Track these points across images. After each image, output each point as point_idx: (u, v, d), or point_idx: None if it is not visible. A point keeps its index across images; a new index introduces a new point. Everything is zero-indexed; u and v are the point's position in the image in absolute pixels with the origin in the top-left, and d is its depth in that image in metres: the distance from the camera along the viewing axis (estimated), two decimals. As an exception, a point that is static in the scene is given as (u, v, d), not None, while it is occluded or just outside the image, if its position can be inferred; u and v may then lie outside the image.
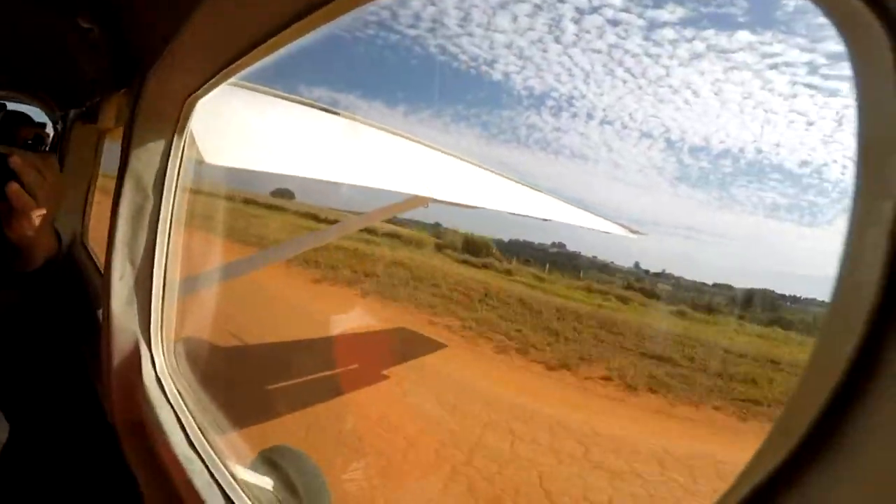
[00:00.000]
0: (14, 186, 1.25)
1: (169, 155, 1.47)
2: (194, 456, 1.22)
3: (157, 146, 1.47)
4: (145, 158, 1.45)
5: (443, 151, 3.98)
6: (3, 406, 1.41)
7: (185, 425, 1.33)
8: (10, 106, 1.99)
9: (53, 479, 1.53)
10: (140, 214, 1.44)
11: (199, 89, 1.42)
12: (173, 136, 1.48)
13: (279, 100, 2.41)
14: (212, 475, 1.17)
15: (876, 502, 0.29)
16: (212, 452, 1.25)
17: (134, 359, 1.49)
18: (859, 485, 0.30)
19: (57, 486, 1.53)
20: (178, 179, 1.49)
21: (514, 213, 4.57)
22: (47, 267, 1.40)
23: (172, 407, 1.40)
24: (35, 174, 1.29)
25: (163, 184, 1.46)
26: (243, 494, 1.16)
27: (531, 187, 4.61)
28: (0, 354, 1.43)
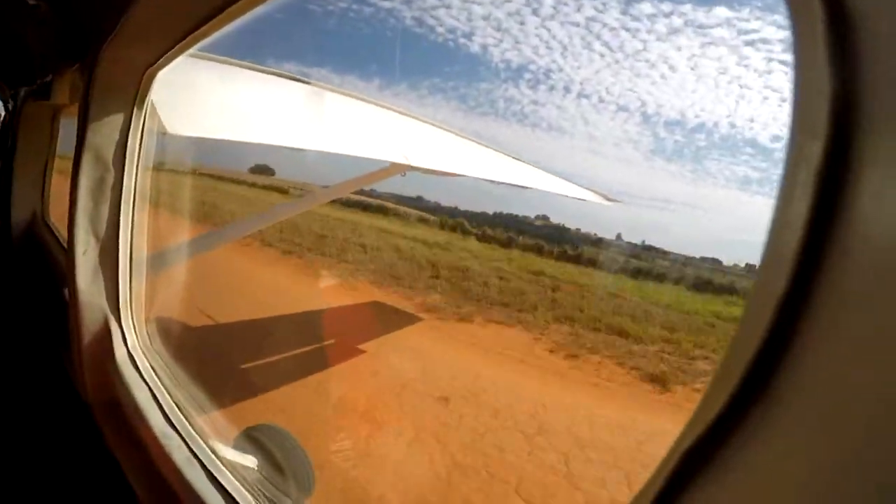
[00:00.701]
0: None
1: (129, 127, 1.43)
2: (172, 432, 1.22)
3: (116, 119, 1.42)
4: (104, 132, 1.41)
5: (419, 119, 3.93)
6: None
7: (162, 402, 1.32)
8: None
9: (30, 462, 1.51)
10: (101, 187, 1.40)
11: (157, 61, 1.38)
12: (133, 108, 1.44)
13: (245, 70, 2.35)
14: (192, 451, 1.16)
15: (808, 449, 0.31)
16: (190, 428, 1.24)
17: (104, 336, 1.46)
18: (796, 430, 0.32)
19: (34, 468, 1.52)
20: (139, 152, 1.44)
21: (492, 181, 4.57)
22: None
23: (147, 384, 1.38)
24: None
25: (124, 156, 1.42)
26: (226, 469, 1.14)
27: (510, 156, 4.60)
28: None
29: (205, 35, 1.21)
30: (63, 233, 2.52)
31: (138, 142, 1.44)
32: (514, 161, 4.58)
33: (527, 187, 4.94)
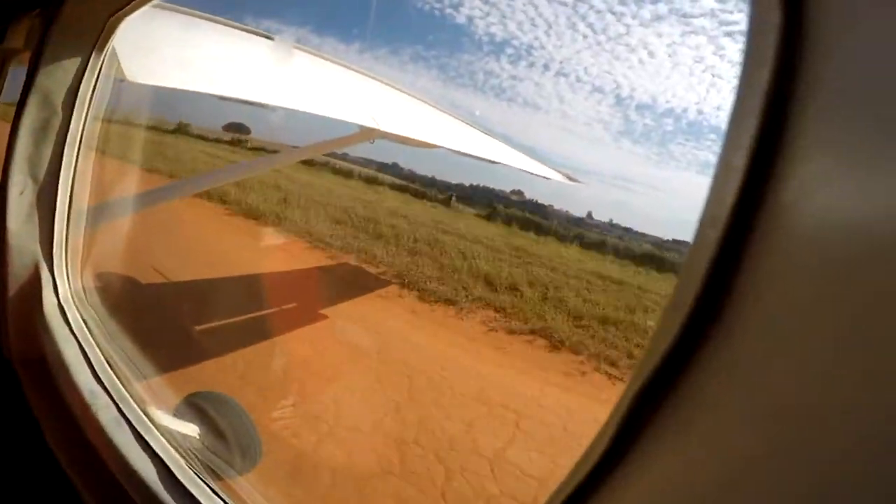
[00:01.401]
0: None
1: (84, 72, 1.36)
2: (100, 390, 1.16)
3: (72, 63, 1.36)
4: (56, 75, 1.34)
5: (393, 86, 3.88)
6: None
7: (91, 358, 1.26)
8: None
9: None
10: (46, 130, 1.33)
11: (123, 8, 1.32)
12: (91, 53, 1.37)
13: (210, 23, 2.27)
14: (120, 412, 1.11)
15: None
16: (121, 386, 1.19)
17: (33, 283, 1.40)
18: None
19: None
20: (91, 96, 1.38)
21: (463, 153, 4.58)
22: None
23: (77, 338, 1.33)
24: None
25: (74, 100, 1.35)
26: (158, 433, 1.09)
27: (482, 130, 4.63)
28: None
29: None
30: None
31: (91, 87, 1.38)
32: (484, 135, 4.60)
33: (496, 162, 4.99)
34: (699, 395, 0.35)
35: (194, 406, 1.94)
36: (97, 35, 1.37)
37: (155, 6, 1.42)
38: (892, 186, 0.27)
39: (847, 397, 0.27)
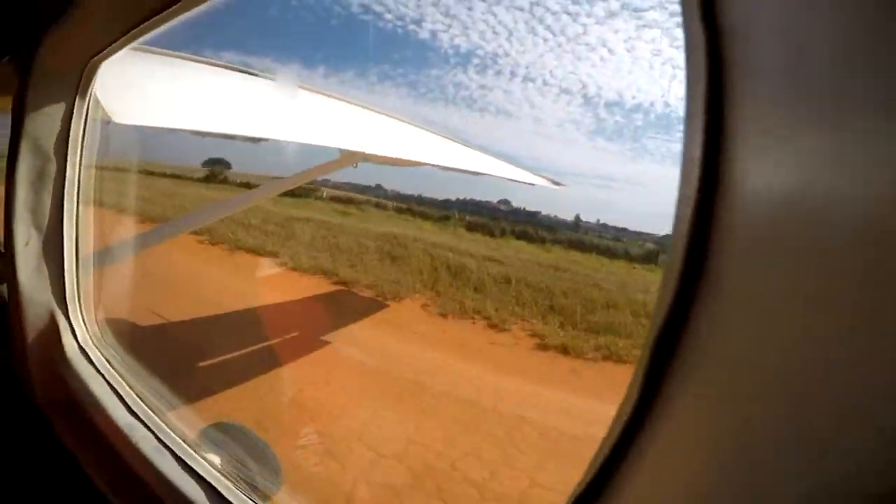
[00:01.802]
0: None
1: (71, 117, 1.38)
2: (137, 423, 1.19)
3: (57, 109, 1.38)
4: (43, 122, 1.36)
5: (371, 109, 3.92)
6: None
7: (122, 394, 1.28)
8: None
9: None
10: (42, 178, 1.35)
11: (102, 51, 1.34)
12: (75, 98, 1.39)
13: (190, 62, 2.30)
14: (160, 440, 1.13)
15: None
16: (156, 417, 1.21)
17: (51, 332, 1.42)
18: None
19: None
20: (82, 142, 1.40)
21: (447, 168, 4.61)
22: None
23: (104, 377, 1.35)
24: None
25: (66, 147, 1.37)
26: (199, 456, 1.11)
27: (461, 143, 4.66)
28: None
29: (155, 26, 1.20)
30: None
31: (81, 132, 1.40)
32: (466, 148, 4.64)
33: (480, 173, 5.03)
34: (687, 381, 0.38)
35: (212, 436, 1.96)
36: (78, 79, 1.39)
37: (133, 50, 1.44)
38: (814, 149, 0.30)
39: (820, 359, 0.30)
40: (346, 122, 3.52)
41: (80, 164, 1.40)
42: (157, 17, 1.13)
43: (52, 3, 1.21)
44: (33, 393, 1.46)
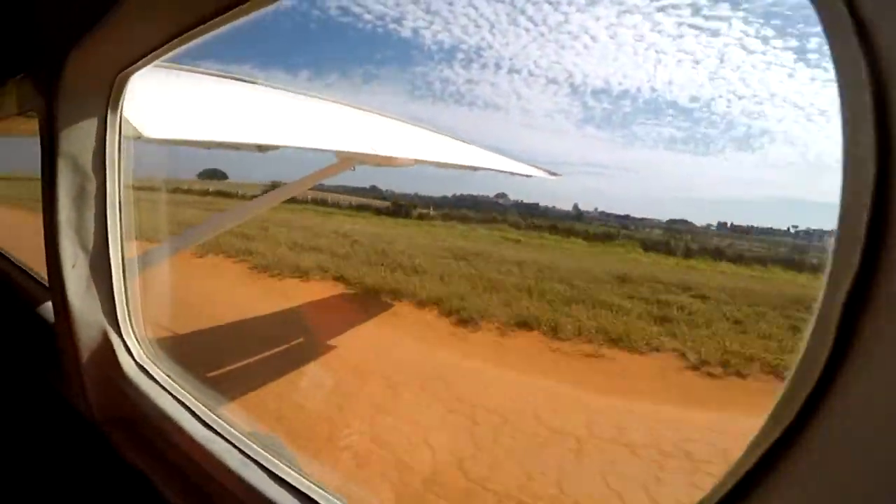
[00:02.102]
0: None
1: (105, 132, 1.36)
2: (214, 436, 1.17)
3: (89, 125, 1.35)
4: (78, 137, 1.33)
5: (367, 110, 3.91)
6: None
7: (193, 408, 1.27)
8: None
9: (44, 491, 1.43)
10: (83, 197, 1.33)
11: (132, 65, 1.32)
12: (107, 112, 1.36)
13: (200, 75, 2.29)
14: (243, 452, 1.12)
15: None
16: (234, 430, 1.20)
17: (106, 351, 1.40)
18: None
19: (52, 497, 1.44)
20: (119, 157, 1.38)
21: (444, 164, 4.61)
22: None
23: (169, 392, 1.34)
24: None
25: (103, 163, 1.35)
26: (285, 465, 1.09)
27: (456, 139, 4.66)
28: None
29: (186, 41, 1.18)
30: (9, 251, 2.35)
31: (117, 147, 1.37)
32: (460, 144, 4.65)
33: (477, 168, 5.03)
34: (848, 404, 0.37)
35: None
36: (107, 94, 1.37)
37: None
38: None
39: None
40: (348, 124, 3.52)
41: (120, 180, 1.37)
42: (192, 31, 1.12)
43: (81, 15, 1.18)
44: (90, 412, 1.45)
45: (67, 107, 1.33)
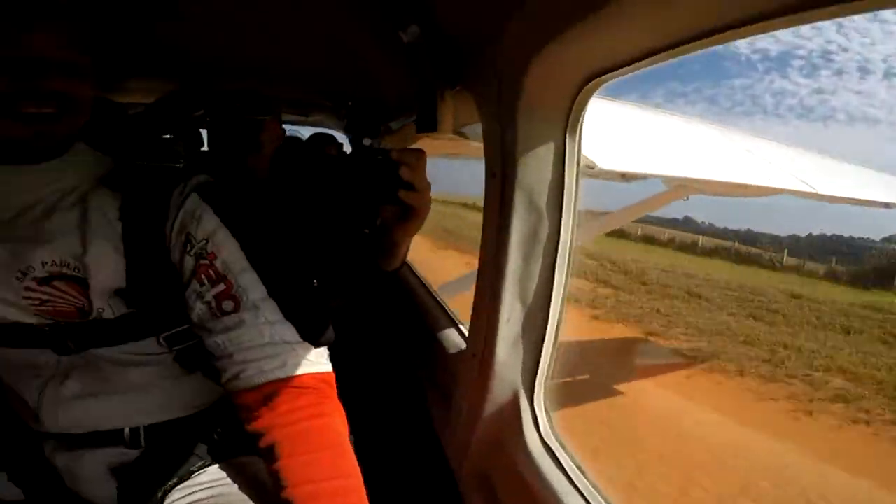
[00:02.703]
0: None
1: (564, 160, 1.10)
2: None
3: (545, 150, 1.10)
4: (535, 167, 1.10)
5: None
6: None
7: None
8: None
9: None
10: (534, 240, 1.11)
11: (599, 76, 1.01)
12: (565, 135, 1.10)
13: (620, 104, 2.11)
14: None
15: None
16: None
17: (511, 415, 1.21)
18: None
19: None
20: (576, 192, 1.12)
21: (833, 197, 3.59)
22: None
23: (573, 483, 1.09)
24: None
25: (560, 199, 1.10)
26: None
27: (845, 162, 3.58)
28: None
29: (670, 56, 0.81)
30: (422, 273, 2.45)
31: (574, 179, 1.12)
32: (857, 169, 3.55)
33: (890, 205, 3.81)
34: None
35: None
36: (567, 110, 1.10)
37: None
38: None
39: None
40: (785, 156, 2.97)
41: (573, 224, 1.12)
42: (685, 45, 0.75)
43: (553, 15, 0.89)
44: (459, 465, 1.36)
45: (527, 126, 1.09)
